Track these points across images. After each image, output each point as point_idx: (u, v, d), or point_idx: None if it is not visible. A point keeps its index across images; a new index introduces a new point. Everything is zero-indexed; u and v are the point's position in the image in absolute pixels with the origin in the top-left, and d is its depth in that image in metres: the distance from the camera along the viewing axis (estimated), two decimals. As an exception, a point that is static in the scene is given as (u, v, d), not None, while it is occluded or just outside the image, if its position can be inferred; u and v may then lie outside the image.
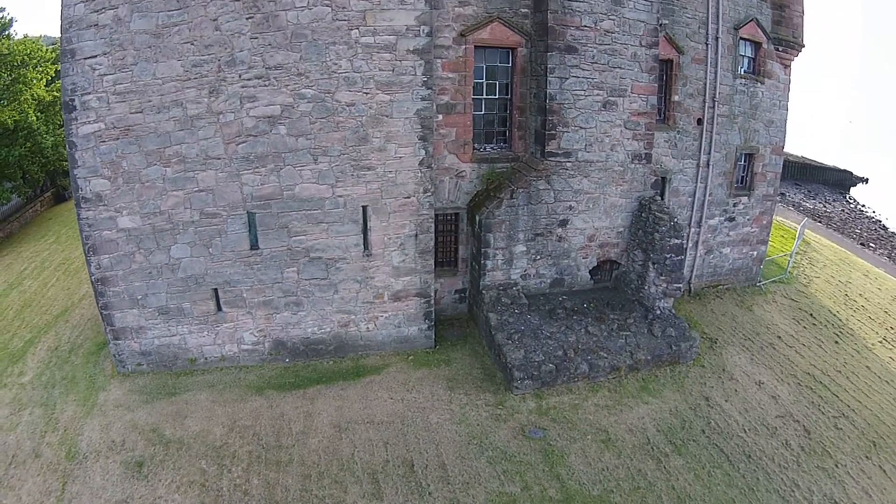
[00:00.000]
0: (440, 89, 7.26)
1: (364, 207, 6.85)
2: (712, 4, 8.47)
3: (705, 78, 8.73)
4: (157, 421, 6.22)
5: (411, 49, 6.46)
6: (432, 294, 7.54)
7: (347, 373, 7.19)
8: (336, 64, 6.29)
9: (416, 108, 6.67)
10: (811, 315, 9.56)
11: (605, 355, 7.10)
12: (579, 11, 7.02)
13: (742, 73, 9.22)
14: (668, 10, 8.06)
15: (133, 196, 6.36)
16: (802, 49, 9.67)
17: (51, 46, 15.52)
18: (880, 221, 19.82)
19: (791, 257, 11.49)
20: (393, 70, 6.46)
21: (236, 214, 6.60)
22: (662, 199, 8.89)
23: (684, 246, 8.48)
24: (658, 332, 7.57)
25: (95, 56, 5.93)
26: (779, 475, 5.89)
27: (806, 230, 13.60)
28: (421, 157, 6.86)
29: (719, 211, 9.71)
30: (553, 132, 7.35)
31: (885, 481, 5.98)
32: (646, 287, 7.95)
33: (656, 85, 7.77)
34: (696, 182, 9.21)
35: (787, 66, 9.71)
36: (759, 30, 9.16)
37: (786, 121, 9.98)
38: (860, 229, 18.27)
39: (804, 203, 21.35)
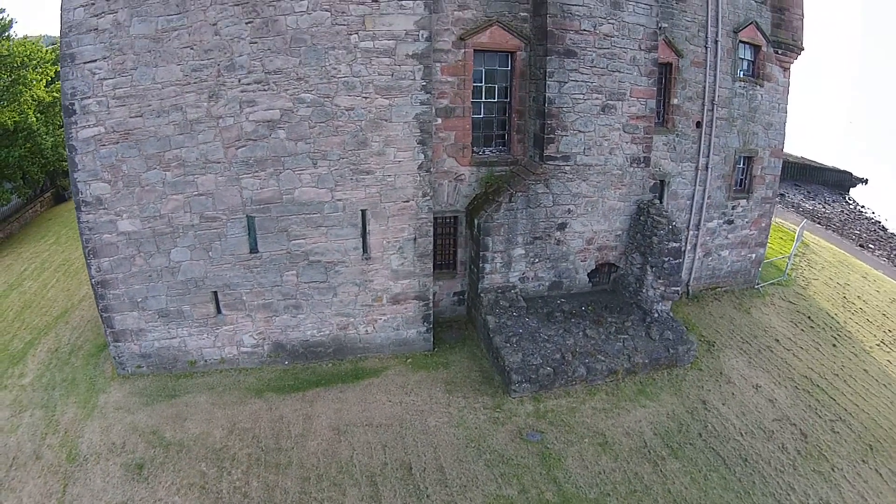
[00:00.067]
0: (439, 93, 7.27)
1: (363, 211, 6.88)
2: (712, 7, 8.47)
3: (704, 81, 8.74)
4: (158, 423, 6.26)
5: (410, 54, 6.47)
6: (431, 297, 7.57)
7: (346, 375, 7.22)
8: (335, 68, 6.30)
9: (415, 113, 6.69)
10: (809, 318, 9.59)
11: (603, 358, 7.13)
12: (578, 15, 7.03)
13: (741, 76, 9.23)
14: (667, 13, 8.07)
15: (133, 200, 6.39)
16: (802, 52, 9.67)
17: (50, 47, 15.51)
18: (879, 222, 19.83)
19: (790, 259, 11.51)
20: (392, 74, 6.47)
21: (236, 218, 6.62)
22: (661, 202, 8.92)
23: (682, 249, 8.52)
24: (656, 336, 7.60)
25: (95, 60, 5.95)
26: (775, 479, 5.93)
27: (805, 232, 13.63)
28: (420, 161, 6.89)
29: (718, 214, 9.73)
30: (552, 136, 7.36)
31: (881, 485, 6.01)
32: (644, 290, 7.98)
33: (655, 88, 7.78)
34: (695, 185, 9.22)
35: (786, 69, 9.71)
36: (759, 33, 9.17)
37: (785, 123, 9.99)
38: (859, 230, 18.28)
39: (803, 204, 21.36)
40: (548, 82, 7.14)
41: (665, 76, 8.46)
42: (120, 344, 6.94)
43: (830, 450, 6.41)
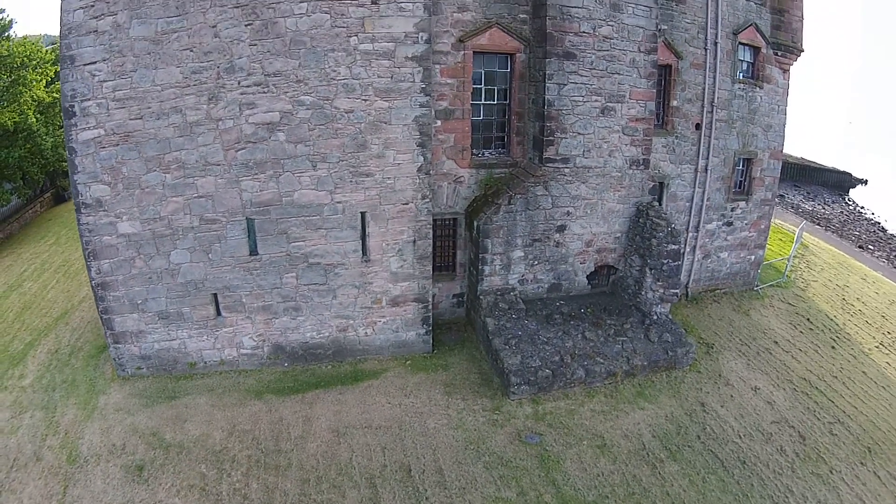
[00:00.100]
0: (439, 95, 7.28)
1: (362, 213, 6.89)
2: (711, 9, 8.47)
3: (704, 83, 8.74)
4: (158, 425, 6.28)
5: (410, 56, 6.47)
6: (430, 299, 7.58)
7: (346, 377, 7.24)
8: (335, 71, 6.31)
9: (415, 115, 6.69)
10: (808, 319, 9.60)
11: (602, 361, 7.14)
12: (578, 17, 7.03)
13: (741, 77, 9.23)
14: (666, 15, 8.07)
15: (133, 202, 6.40)
16: (801, 54, 9.67)
17: (50, 47, 15.51)
18: (879, 223, 19.83)
19: (789, 261, 11.52)
20: (391, 77, 6.47)
21: (235, 220, 6.63)
22: (660, 204, 8.92)
23: (681, 251, 8.52)
24: (655, 338, 7.61)
25: (95, 62, 5.96)
26: (773, 481, 5.94)
27: (804, 233, 13.64)
28: (419, 164, 6.89)
29: (717, 216, 9.74)
30: (551, 138, 7.37)
31: (879, 487, 6.02)
32: (643, 292, 7.99)
33: (655, 91, 7.77)
34: (694, 187, 9.23)
35: (785, 71, 9.71)
36: (759, 34, 9.16)
37: (784, 125, 9.99)
38: (859, 231, 18.28)
39: (803, 205, 21.36)
40: (547, 84, 7.14)
41: (664, 78, 8.46)
42: (120, 346, 6.96)
43: (829, 452, 6.42)
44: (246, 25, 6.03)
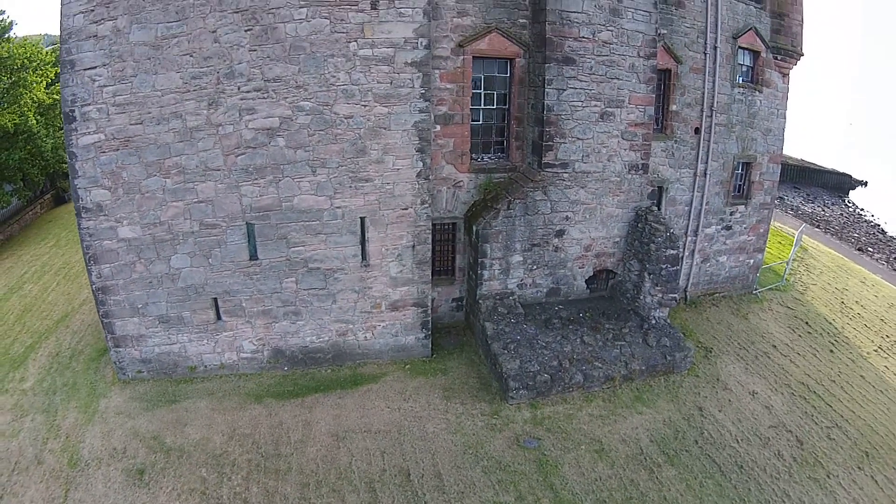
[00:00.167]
0: (438, 100, 7.29)
1: (362, 219, 6.91)
2: (711, 14, 8.47)
3: (703, 87, 8.75)
4: (158, 428, 6.31)
5: (409, 61, 6.48)
6: (429, 304, 7.61)
7: (345, 381, 7.27)
8: (334, 76, 6.32)
9: (414, 121, 6.71)
10: (807, 323, 9.62)
11: (600, 365, 7.17)
12: (577, 23, 7.04)
13: (740, 82, 9.24)
14: (666, 19, 8.08)
15: (133, 206, 6.42)
16: (801, 58, 9.67)
17: (50, 48, 15.51)
18: (879, 225, 19.83)
19: (788, 264, 11.53)
20: (391, 82, 6.49)
21: (235, 225, 6.66)
22: (659, 208, 8.94)
23: (680, 255, 8.53)
24: (653, 342, 7.63)
25: (95, 67, 5.97)
26: (770, 486, 5.97)
27: (804, 236, 13.65)
28: (418, 169, 6.91)
29: (716, 219, 9.75)
30: (550, 143, 7.38)
31: (876, 492, 6.05)
32: (641, 297, 8.01)
33: (654, 95, 7.78)
34: (693, 191, 9.24)
35: (785, 75, 9.71)
36: (758, 39, 9.17)
37: (784, 129, 10.00)
38: (858, 233, 18.29)
39: (803, 207, 21.35)
40: (546, 90, 7.15)
41: (664, 82, 8.47)
42: (120, 349, 6.99)
43: (826, 456, 6.45)
44: (246, 31, 6.04)
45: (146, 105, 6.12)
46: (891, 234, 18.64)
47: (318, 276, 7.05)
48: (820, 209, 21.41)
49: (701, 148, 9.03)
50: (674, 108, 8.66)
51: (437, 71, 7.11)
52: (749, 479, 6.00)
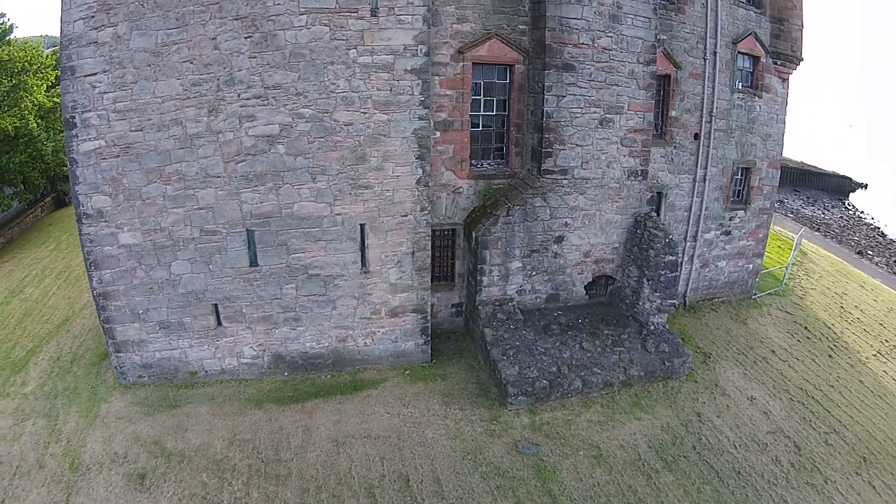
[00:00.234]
0: (438, 106, 7.30)
1: (362, 225, 6.93)
2: (711, 19, 8.47)
3: (703, 93, 8.76)
4: (159, 433, 6.34)
5: (409, 69, 6.50)
6: (429, 310, 7.63)
7: (345, 387, 7.30)
8: (334, 84, 6.33)
9: (414, 128, 6.72)
10: (806, 328, 9.63)
11: (599, 371, 7.19)
12: (577, 29, 7.04)
13: (740, 87, 9.24)
14: (666, 25, 8.08)
15: (134, 213, 6.45)
16: (801, 62, 9.67)
17: (51, 49, 15.51)
18: (879, 228, 19.84)
19: (787, 269, 11.55)
20: (391, 90, 6.50)
21: (236, 232, 6.68)
22: (658, 213, 8.96)
23: (679, 261, 8.57)
24: (651, 348, 7.66)
25: (95, 74, 5.99)
26: (767, 491, 5.99)
27: (803, 240, 13.66)
28: (418, 176, 6.93)
29: (715, 225, 9.77)
30: (549, 150, 7.39)
31: (874, 497, 6.08)
32: (640, 303, 8.03)
33: (653, 102, 7.80)
34: (693, 196, 9.25)
35: (785, 80, 9.72)
36: (758, 44, 9.17)
37: (783, 134, 10.01)
38: (858, 237, 18.30)
39: (803, 210, 21.36)
40: (546, 96, 7.16)
41: (663, 88, 8.48)
42: (121, 354, 7.02)
43: (824, 462, 6.47)
44: (245, 38, 6.06)
45: (146, 112, 6.14)
46: (891, 238, 18.65)
47: (318, 282, 7.07)
48: (820, 212, 21.42)
49: (700, 153, 9.04)
50: (673, 113, 8.67)
51: (436, 77, 7.12)
52: (747, 485, 6.03)
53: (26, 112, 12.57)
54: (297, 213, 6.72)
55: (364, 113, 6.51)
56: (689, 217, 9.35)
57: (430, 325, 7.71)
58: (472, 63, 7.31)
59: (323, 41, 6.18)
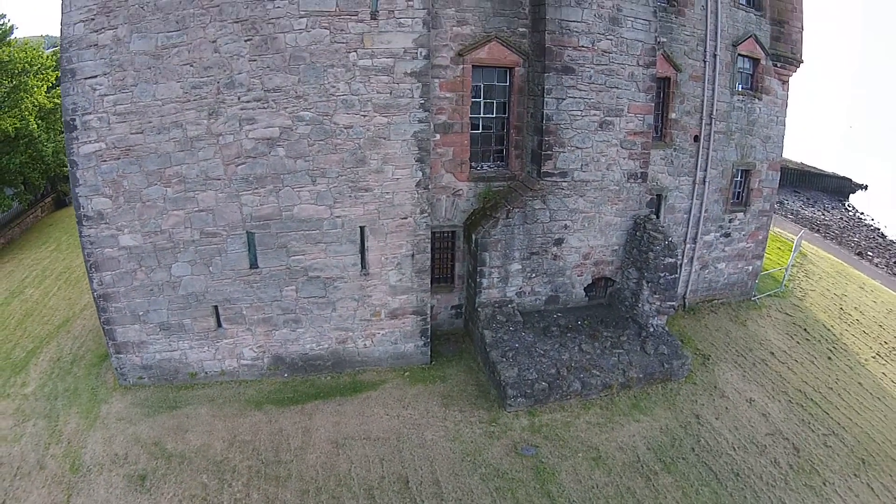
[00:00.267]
0: (438, 109, 7.31)
1: (362, 228, 6.94)
2: (711, 21, 8.47)
3: (703, 95, 8.76)
4: (159, 434, 6.36)
5: (409, 72, 6.51)
6: (428, 312, 7.64)
7: (345, 388, 7.32)
8: (334, 87, 6.34)
9: (414, 131, 6.73)
10: (805, 330, 9.65)
11: (598, 373, 7.21)
12: (577, 31, 7.05)
13: (740, 89, 9.24)
14: (666, 27, 8.08)
15: (134, 215, 6.47)
16: (801, 65, 9.68)
17: (51, 50, 15.51)
18: (879, 229, 19.83)
19: (787, 270, 11.56)
20: (390, 93, 6.51)
21: (236, 234, 6.70)
22: (658, 215, 8.97)
23: (679, 263, 8.58)
24: (651, 350, 7.67)
25: (95, 76, 6.00)
26: (766, 493, 6.01)
27: (803, 241, 13.67)
28: (418, 179, 6.94)
29: (715, 227, 9.78)
30: (549, 152, 7.40)
31: (872, 499, 6.09)
32: (639, 305, 8.05)
33: (653, 104, 7.80)
34: (692, 198, 9.26)
35: (785, 82, 9.72)
36: (758, 46, 9.17)
37: (783, 137, 10.01)
38: (858, 238, 18.30)
39: (803, 211, 21.35)
40: (546, 99, 7.17)
41: (663, 90, 8.48)
42: (122, 355, 7.04)
43: (822, 464, 6.49)
44: (246, 41, 6.07)
45: (147, 114, 6.15)
46: (891, 239, 18.64)
47: (318, 284, 7.09)
48: (820, 213, 21.41)
49: (700, 156, 9.05)
50: (673, 115, 8.68)
51: (436, 80, 7.13)
52: (745, 487, 6.05)
53: (27, 113, 12.58)
54: (298, 215, 6.74)
55: (364, 116, 6.52)
56: (689, 219, 9.36)
57: (429, 326, 7.73)
58: (472, 66, 7.32)
59: (323, 44, 6.19)
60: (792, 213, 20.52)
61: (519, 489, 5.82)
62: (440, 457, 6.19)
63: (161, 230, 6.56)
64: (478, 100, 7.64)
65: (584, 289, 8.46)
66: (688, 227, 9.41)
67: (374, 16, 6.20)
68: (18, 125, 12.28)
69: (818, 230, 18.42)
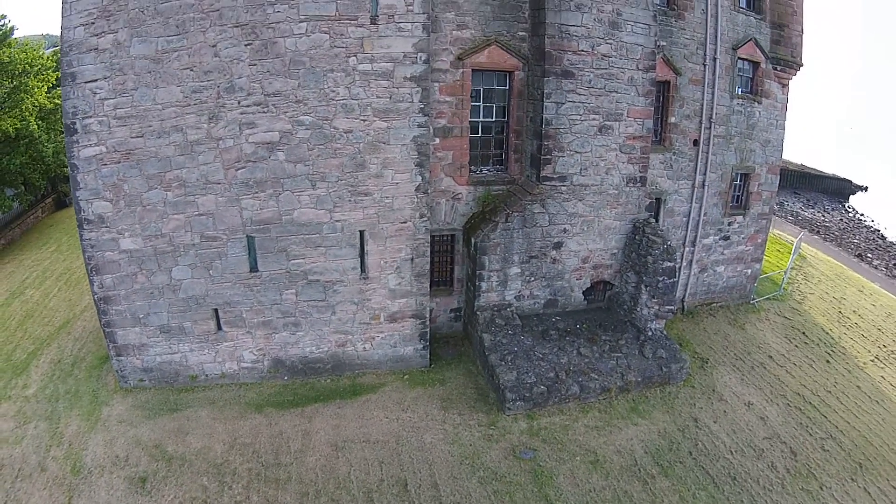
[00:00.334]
0: (437, 113, 7.32)
1: (361, 232, 6.97)
2: (711, 25, 8.47)
3: (702, 99, 8.76)
4: (160, 437, 6.40)
5: (408, 76, 6.51)
6: (428, 315, 7.67)
7: (344, 391, 7.35)
8: (334, 91, 6.35)
9: (413, 135, 6.74)
10: (803, 333, 9.66)
11: (597, 377, 7.24)
12: (576, 36, 7.05)
13: (739, 93, 9.24)
14: (666, 31, 8.08)
15: (135, 218, 6.49)
16: (801, 68, 9.67)
17: (51, 50, 15.51)
18: (879, 231, 19.84)
19: (786, 273, 11.57)
20: (390, 97, 6.52)
21: (236, 238, 6.72)
22: (657, 219, 8.98)
23: (678, 266, 8.60)
24: (649, 354, 7.70)
25: (96, 80, 6.02)
26: (763, 497, 6.04)
27: (803, 244, 13.68)
28: (417, 183, 6.95)
29: (714, 230, 9.79)
30: (548, 157, 7.42)
31: (868, 503, 6.12)
32: (638, 308, 8.07)
33: (652, 108, 7.80)
34: (692, 202, 9.27)
35: (784, 86, 9.72)
36: (758, 49, 9.17)
37: (783, 140, 10.02)
38: (858, 239, 18.30)
39: (802, 212, 21.35)
40: (545, 103, 7.18)
41: (663, 94, 8.48)
42: (122, 358, 7.07)
43: (820, 468, 6.51)
44: (246, 45, 6.08)
45: (147, 118, 6.17)
46: (890, 240, 18.65)
47: (318, 288, 7.12)
48: (820, 215, 21.41)
49: (699, 159, 9.05)
50: (672, 119, 8.68)
51: (436, 84, 7.14)
52: (742, 491, 6.07)
53: (27, 114, 12.59)
54: (297, 219, 6.76)
55: (364, 120, 6.53)
56: (688, 223, 9.37)
57: (428, 330, 7.75)
58: (472, 69, 7.32)
59: (323, 49, 6.20)
60: (792, 215, 20.52)
61: (517, 492, 5.86)
62: (439, 460, 6.22)
63: (161, 234, 6.58)
64: (477, 104, 7.64)
65: (583, 292, 8.48)
66: (687, 231, 9.42)
67: (373, 20, 6.21)
68: (19, 126, 12.30)
69: (818, 232, 18.43)
